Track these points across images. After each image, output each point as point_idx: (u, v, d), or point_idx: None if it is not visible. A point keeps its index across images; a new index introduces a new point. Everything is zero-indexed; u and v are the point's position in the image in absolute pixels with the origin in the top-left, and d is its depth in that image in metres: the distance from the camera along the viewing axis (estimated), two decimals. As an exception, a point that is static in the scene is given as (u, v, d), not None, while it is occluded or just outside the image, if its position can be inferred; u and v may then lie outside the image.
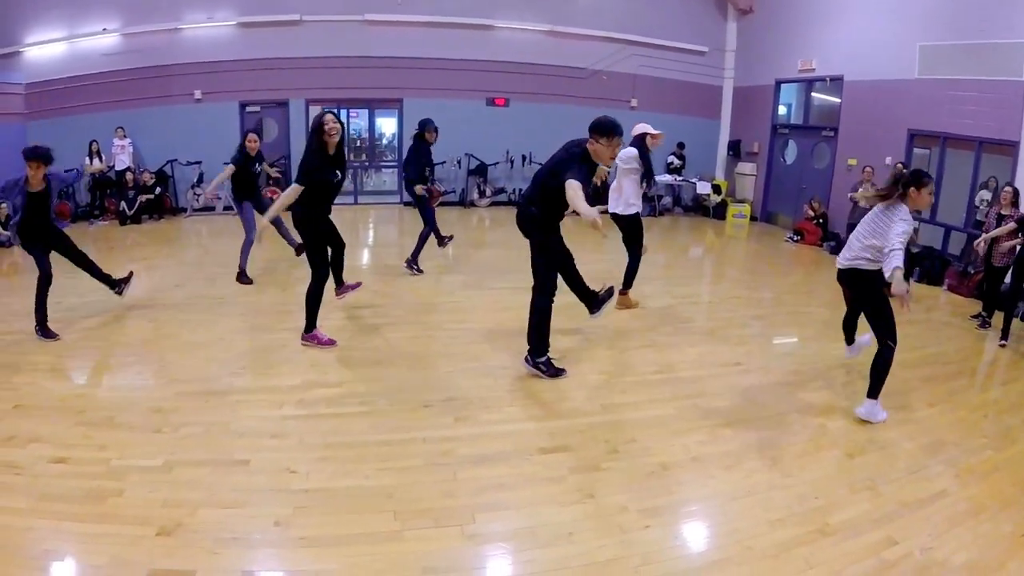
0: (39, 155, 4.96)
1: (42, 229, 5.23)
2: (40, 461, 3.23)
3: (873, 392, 4.07)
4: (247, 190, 6.81)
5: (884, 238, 3.81)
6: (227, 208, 11.79)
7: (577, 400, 4.15)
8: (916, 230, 8.20)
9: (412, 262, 7.41)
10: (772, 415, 4.13)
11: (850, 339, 4.80)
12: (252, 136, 6.82)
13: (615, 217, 6.17)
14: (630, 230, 6.22)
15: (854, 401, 4.30)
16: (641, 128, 6.22)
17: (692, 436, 3.74)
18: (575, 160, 4.08)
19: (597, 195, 4.37)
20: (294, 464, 3.25)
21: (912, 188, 3.91)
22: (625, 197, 6.12)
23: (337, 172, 4.78)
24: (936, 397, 4.55)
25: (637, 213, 6.18)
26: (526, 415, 3.93)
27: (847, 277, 4.19)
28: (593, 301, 4.81)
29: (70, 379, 4.49)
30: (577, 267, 4.67)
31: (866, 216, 4.11)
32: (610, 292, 4.92)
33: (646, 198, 12.47)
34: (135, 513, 2.81)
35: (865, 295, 4.16)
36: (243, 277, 6.90)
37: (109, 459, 3.25)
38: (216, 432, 3.58)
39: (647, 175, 6.14)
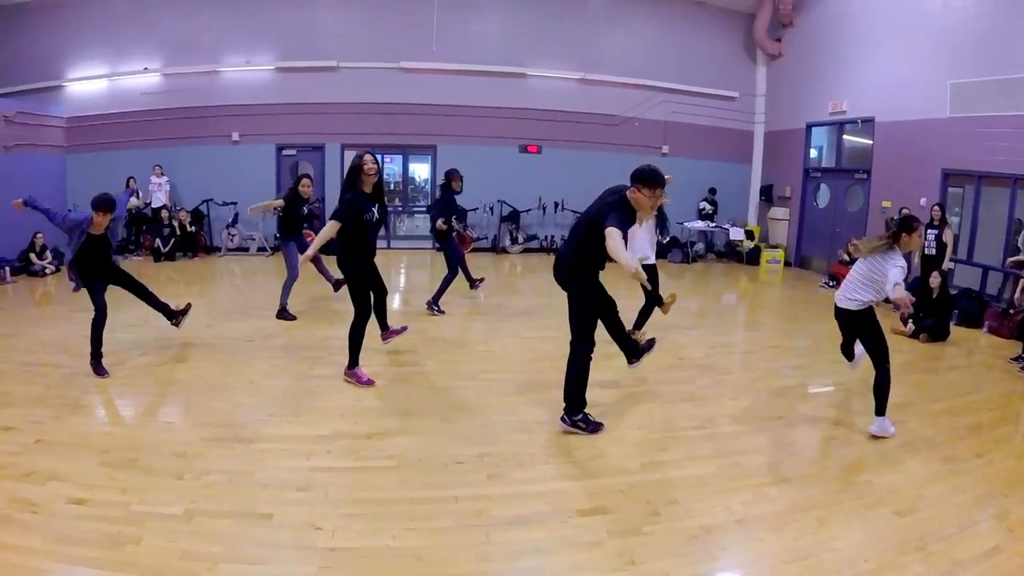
0: (109, 205, 5.07)
1: (101, 267, 5.34)
2: (58, 500, 3.16)
3: (880, 410, 4.45)
4: (294, 229, 7.13)
5: (879, 284, 4.35)
6: (260, 249, 11.95)
7: (615, 458, 3.96)
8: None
9: (433, 303, 7.55)
10: (818, 472, 3.94)
11: (849, 356, 5.17)
12: (306, 180, 7.27)
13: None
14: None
15: (901, 456, 4.15)
16: None
17: (736, 496, 3.54)
18: (614, 208, 3.94)
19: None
20: (319, 520, 3.11)
21: (904, 234, 4.38)
22: (640, 246, 6.11)
23: (373, 209, 4.86)
24: (983, 446, 4.37)
25: (653, 265, 6.22)
26: (563, 473, 3.76)
27: (844, 315, 4.63)
28: (634, 351, 4.70)
29: (95, 416, 4.45)
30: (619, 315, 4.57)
31: (860, 261, 4.54)
32: (651, 343, 4.85)
33: (662, 246, 12.50)
34: (153, 563, 2.71)
35: (861, 330, 4.63)
36: (284, 314, 7.07)
37: (129, 503, 3.16)
38: (240, 482, 3.47)
39: (660, 224, 6.31)
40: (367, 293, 5.04)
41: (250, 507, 3.21)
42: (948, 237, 8.44)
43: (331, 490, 3.42)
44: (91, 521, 3.00)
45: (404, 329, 5.87)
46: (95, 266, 5.28)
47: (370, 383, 5.03)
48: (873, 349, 4.52)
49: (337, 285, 7.14)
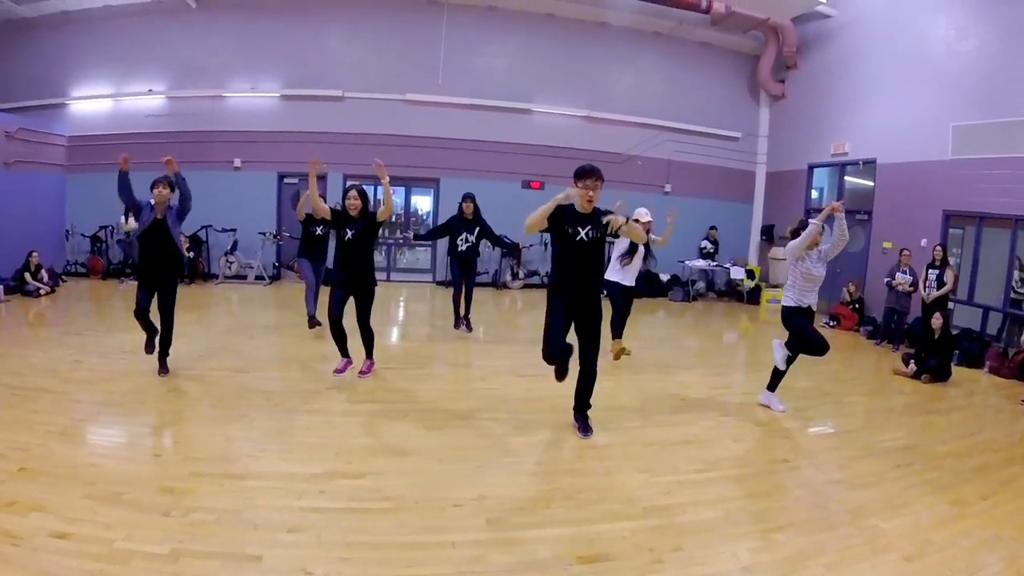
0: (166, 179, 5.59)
1: (155, 262, 5.62)
2: (40, 533, 3.04)
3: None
4: (306, 251, 7.85)
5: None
6: (258, 277, 11.88)
7: (617, 502, 3.84)
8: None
9: (465, 321, 8.37)
10: (824, 516, 3.83)
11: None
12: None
13: (609, 284, 6.95)
14: (621, 299, 7.04)
15: (907, 499, 4.09)
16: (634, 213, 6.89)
17: (742, 543, 3.43)
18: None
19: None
20: (311, 564, 2.98)
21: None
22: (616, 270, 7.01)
23: (347, 230, 5.63)
24: (989, 488, 4.33)
25: (617, 283, 6.98)
26: (563, 518, 3.62)
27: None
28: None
29: (82, 445, 4.30)
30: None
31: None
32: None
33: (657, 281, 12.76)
34: (135, 608, 2.57)
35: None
36: (312, 321, 7.73)
37: (113, 540, 3.03)
38: (229, 521, 3.33)
39: (645, 253, 7.04)
40: (334, 300, 5.70)
41: (239, 548, 3.08)
42: (949, 277, 8.44)
43: (323, 532, 3.29)
44: (73, 557, 2.88)
45: (344, 367, 5.99)
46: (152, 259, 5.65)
47: (338, 372, 5.88)
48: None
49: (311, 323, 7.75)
